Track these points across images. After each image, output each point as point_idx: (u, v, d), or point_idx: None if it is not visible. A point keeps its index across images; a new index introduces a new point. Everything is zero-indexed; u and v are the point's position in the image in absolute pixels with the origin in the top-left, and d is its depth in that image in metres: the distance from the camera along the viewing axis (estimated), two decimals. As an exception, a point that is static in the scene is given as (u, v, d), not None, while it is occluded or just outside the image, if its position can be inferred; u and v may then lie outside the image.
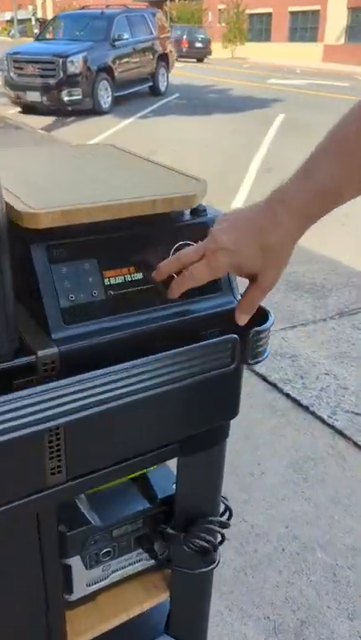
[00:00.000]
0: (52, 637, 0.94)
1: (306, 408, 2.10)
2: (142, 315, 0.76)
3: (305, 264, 3.49)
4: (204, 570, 1.02)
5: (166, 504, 1.05)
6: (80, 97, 8.82)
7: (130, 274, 0.76)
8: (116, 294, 0.75)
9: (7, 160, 0.91)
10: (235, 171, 5.71)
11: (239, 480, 1.75)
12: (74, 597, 1.04)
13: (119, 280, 0.75)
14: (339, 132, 0.67)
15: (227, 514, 1.05)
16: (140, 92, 10.39)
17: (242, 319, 0.74)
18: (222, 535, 1.00)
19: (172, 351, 0.74)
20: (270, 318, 0.85)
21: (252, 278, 0.70)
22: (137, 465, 0.92)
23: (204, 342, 0.77)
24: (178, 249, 0.79)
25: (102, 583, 1.06)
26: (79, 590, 1.03)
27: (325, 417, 2.05)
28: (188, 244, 0.80)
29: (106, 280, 0.74)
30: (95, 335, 0.72)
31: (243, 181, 5.44)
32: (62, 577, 1.00)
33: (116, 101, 9.52)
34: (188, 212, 0.82)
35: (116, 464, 0.83)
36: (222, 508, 1.06)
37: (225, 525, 1.02)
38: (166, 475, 1.06)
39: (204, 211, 0.83)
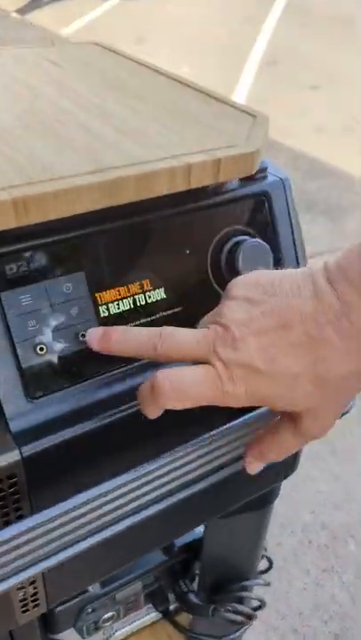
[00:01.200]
0: None
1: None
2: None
3: (317, 179, 3.09)
4: (232, 637, 0.78)
5: (187, 551, 0.79)
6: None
7: (142, 293, 0.44)
8: (121, 332, 0.43)
9: None
10: (234, 62, 5.07)
11: (256, 454, 1.51)
12: (67, 666, 0.80)
13: (125, 306, 0.43)
14: None
15: (265, 564, 0.80)
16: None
17: (252, 468, 0.41)
18: (261, 601, 0.76)
19: (224, 428, 0.44)
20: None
21: (291, 415, 0.37)
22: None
23: (264, 409, 0.46)
24: (222, 241, 0.46)
25: (103, 645, 0.82)
26: (74, 658, 0.80)
27: (351, 372, 1.79)
28: (239, 231, 0.47)
29: (102, 308, 0.42)
30: (89, 414, 0.41)
31: (243, 75, 4.84)
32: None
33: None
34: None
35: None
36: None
37: (265, 584, 0.77)
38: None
39: (264, 170, 0.49)
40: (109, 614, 0.78)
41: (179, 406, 0.34)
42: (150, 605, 0.82)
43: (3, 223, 0.34)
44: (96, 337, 0.37)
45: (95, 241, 0.41)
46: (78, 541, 0.41)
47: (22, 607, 0.47)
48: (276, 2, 7.18)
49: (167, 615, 0.81)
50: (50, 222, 0.37)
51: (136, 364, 0.43)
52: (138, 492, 0.42)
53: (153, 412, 0.36)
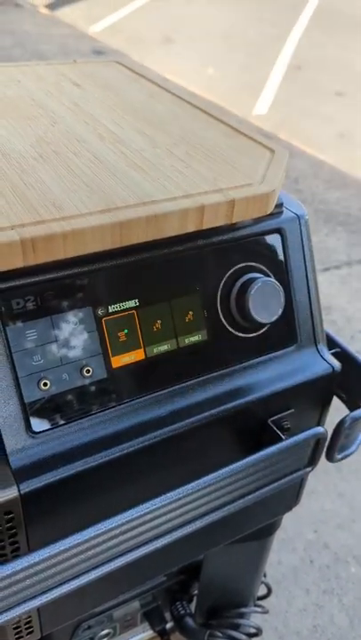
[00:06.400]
0: None
1: (339, 375, 1.81)
2: (171, 401, 0.44)
3: (338, 189, 3.05)
4: (230, 661, 0.78)
5: (186, 572, 0.79)
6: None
7: (150, 330, 0.43)
8: (130, 368, 0.43)
9: None
10: (260, 66, 5.04)
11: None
12: None
13: (132, 342, 0.43)
14: None
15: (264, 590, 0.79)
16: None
17: None
18: (257, 629, 0.75)
19: (224, 470, 0.43)
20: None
21: None
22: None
23: (274, 447, 0.46)
24: (236, 274, 0.45)
25: (98, 660, 0.82)
26: (68, 672, 0.80)
27: (362, 388, 1.77)
28: (251, 268, 0.46)
29: (109, 344, 0.42)
30: (91, 451, 0.41)
31: (268, 79, 4.80)
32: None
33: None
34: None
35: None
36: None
37: (263, 612, 0.76)
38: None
39: (280, 206, 0.48)
40: (105, 631, 0.77)
41: None
42: (147, 624, 0.82)
43: (10, 263, 0.34)
44: None
45: (103, 277, 0.40)
46: (75, 577, 0.41)
47: (16, 635, 0.47)
48: (307, 6, 7.13)
49: (164, 635, 0.81)
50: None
51: (142, 398, 0.43)
52: (138, 530, 0.42)
53: None
